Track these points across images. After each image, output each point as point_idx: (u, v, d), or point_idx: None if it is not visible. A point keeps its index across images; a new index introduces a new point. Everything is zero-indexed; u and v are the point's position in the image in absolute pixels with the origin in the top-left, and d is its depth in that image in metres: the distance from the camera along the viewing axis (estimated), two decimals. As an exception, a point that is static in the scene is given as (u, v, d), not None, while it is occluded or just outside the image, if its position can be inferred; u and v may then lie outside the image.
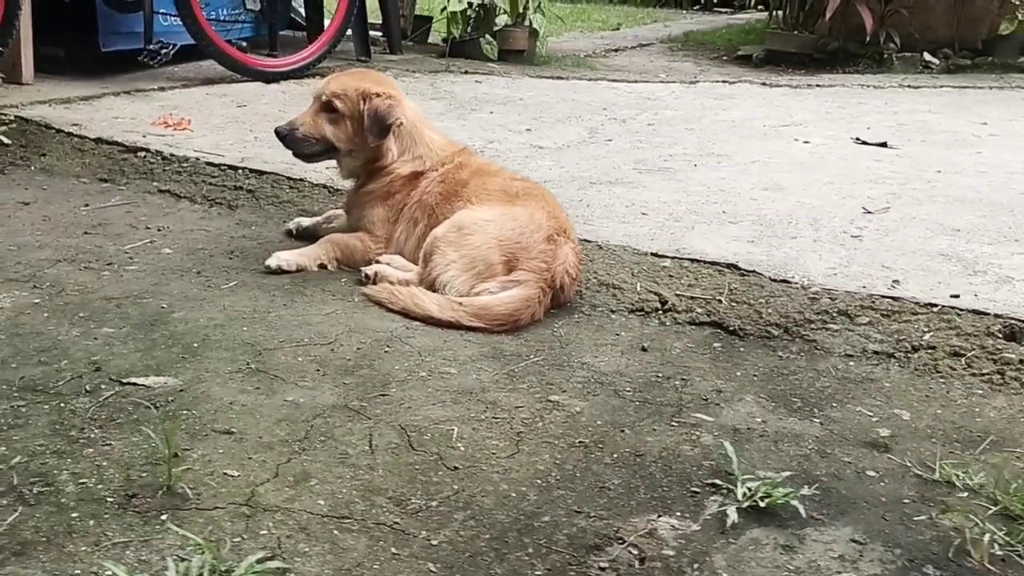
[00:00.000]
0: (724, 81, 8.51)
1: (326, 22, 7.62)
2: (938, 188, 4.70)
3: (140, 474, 2.05)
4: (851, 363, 2.79)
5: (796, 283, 3.24)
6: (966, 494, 2.11)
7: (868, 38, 9.77)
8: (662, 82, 8.48)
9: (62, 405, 2.34)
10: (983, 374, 2.68)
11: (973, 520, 2.00)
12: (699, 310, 3.08)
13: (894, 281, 3.26)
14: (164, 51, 6.46)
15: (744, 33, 13.43)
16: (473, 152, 3.57)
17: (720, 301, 3.13)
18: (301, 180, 4.35)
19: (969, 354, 2.76)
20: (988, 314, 2.95)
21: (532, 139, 5.67)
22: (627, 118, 6.52)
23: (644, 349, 2.86)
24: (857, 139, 6.01)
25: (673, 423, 2.41)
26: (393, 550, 1.84)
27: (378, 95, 3.39)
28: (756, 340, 2.94)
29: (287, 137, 3.43)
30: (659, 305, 3.12)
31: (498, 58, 8.86)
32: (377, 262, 3.37)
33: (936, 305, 3.03)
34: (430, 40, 10.17)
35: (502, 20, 9.13)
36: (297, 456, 2.17)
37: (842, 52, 10.02)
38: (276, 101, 6.35)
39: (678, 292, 3.18)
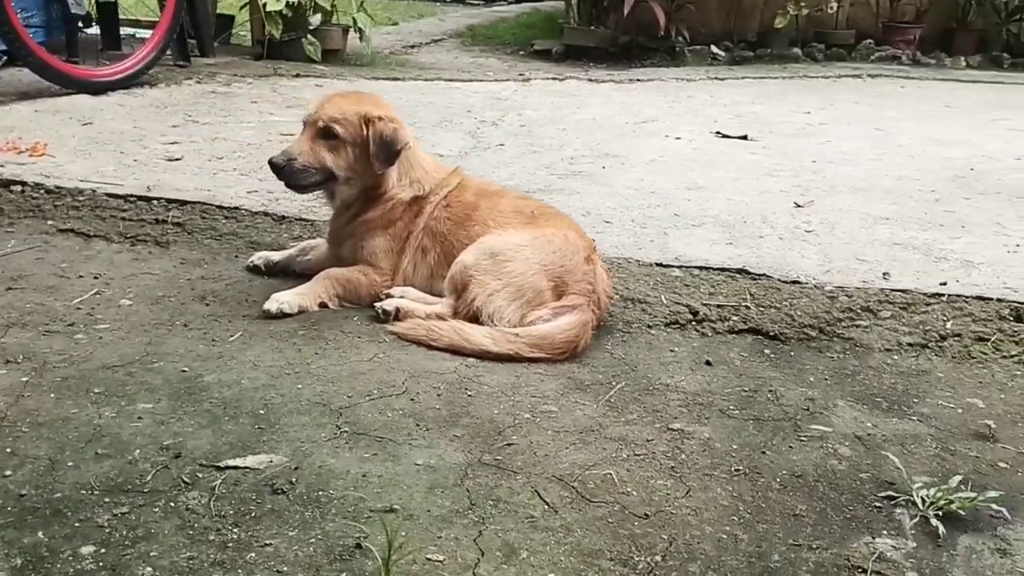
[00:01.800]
0: (554, 78, 8.65)
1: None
2: (828, 179, 5.06)
3: (338, 574, 1.79)
4: (896, 357, 2.95)
5: (807, 283, 3.38)
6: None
7: (662, 32, 10.33)
8: (496, 80, 8.49)
9: (172, 505, 1.99)
10: (1012, 355, 2.93)
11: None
12: (734, 318, 3.13)
13: (884, 273, 3.48)
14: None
15: (525, 28, 13.73)
16: (464, 172, 3.39)
17: (748, 307, 3.19)
18: (236, 209, 3.94)
19: (993, 338, 3.01)
20: (991, 299, 3.23)
21: (425, 148, 5.47)
22: (495, 120, 6.47)
23: (709, 363, 2.86)
24: (718, 133, 6.35)
25: (801, 438, 2.43)
26: (669, 617, 1.73)
27: (380, 119, 3.14)
28: (799, 343, 3.03)
29: (285, 170, 3.08)
30: (691, 316, 3.14)
31: (321, 59, 8.48)
32: (387, 296, 3.13)
33: (942, 295, 3.27)
34: (232, 41, 9.56)
35: (316, 19, 8.73)
36: (484, 527, 1.97)
37: (635, 46, 10.55)
38: (122, 116, 5.70)
39: (704, 302, 3.21)
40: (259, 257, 3.44)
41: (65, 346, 2.73)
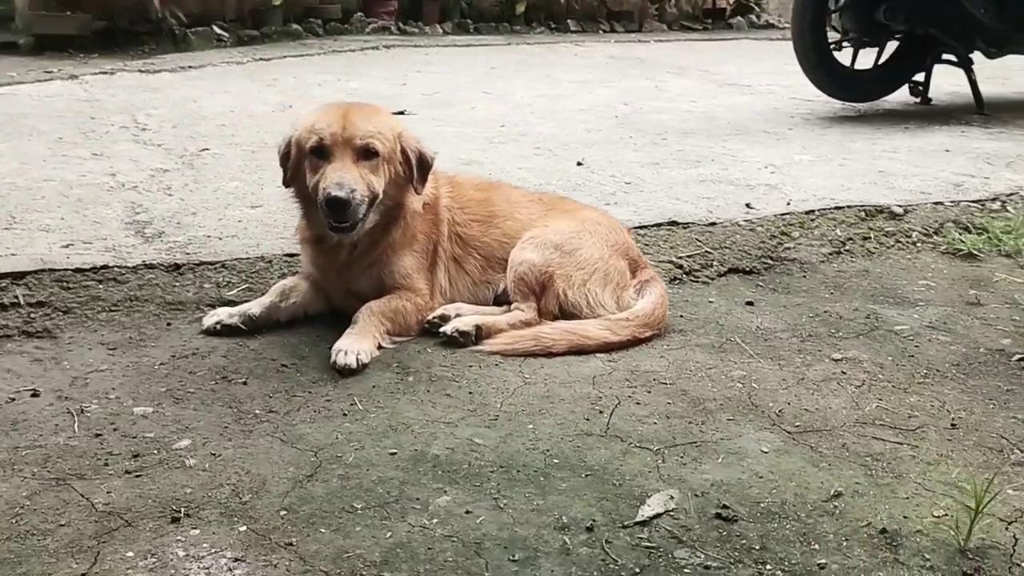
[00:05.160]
0: (141, 71, 7.67)
1: None
2: (532, 137, 5.52)
3: (919, 557, 1.79)
4: (834, 265, 3.55)
5: (720, 223, 3.80)
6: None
7: (158, 15, 9.65)
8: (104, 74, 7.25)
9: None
10: (893, 246, 3.75)
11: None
12: (716, 266, 3.44)
13: (747, 204, 4.06)
14: None
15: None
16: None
17: (710, 253, 3.53)
18: (106, 268, 3.00)
19: (872, 236, 3.79)
20: (843, 207, 4.01)
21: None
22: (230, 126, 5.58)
23: (750, 303, 3.16)
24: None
25: (888, 332, 2.91)
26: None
27: (404, 131, 2.74)
28: (767, 272, 3.47)
29: (351, 206, 2.53)
30: (680, 271, 3.38)
31: None
32: (441, 317, 2.80)
33: (814, 210, 3.96)
34: None
35: None
36: None
37: (121, 32, 9.58)
38: None
39: (678, 257, 3.46)
40: (228, 315, 2.76)
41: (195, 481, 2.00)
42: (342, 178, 2.55)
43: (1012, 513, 1.94)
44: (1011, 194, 4.38)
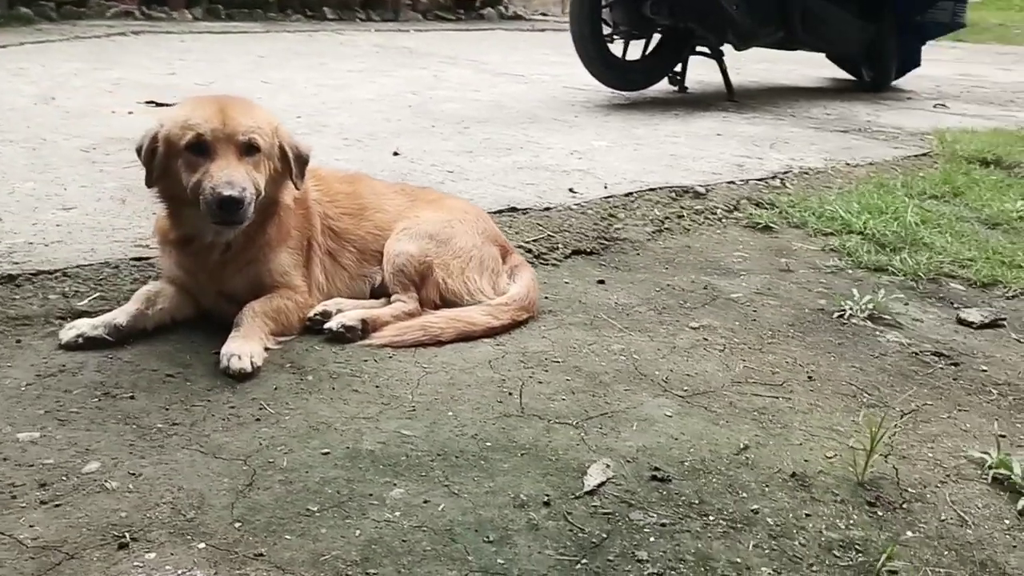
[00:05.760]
0: None
1: None
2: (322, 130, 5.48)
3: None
4: (660, 243, 3.84)
5: (554, 207, 3.97)
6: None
7: None
8: None
9: None
10: (704, 223, 4.11)
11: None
12: (561, 248, 3.62)
13: (570, 189, 4.28)
14: None
15: None
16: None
17: (553, 236, 3.69)
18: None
19: (685, 215, 4.14)
20: (663, 188, 4.32)
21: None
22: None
23: (601, 281, 3.37)
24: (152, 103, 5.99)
25: (722, 300, 3.23)
26: None
27: (280, 126, 2.66)
28: (606, 251, 3.69)
29: (244, 205, 2.42)
30: (530, 254, 3.53)
31: None
32: (322, 314, 2.76)
33: (631, 192, 4.24)
34: None
35: None
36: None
37: None
38: None
39: (525, 241, 3.60)
40: (91, 327, 2.56)
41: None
42: (231, 176, 2.43)
43: (886, 448, 2.25)
44: (785, 172, 4.93)
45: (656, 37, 7.26)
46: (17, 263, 2.91)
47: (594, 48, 6.76)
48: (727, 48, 7.46)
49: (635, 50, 7.22)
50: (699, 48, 7.47)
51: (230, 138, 2.50)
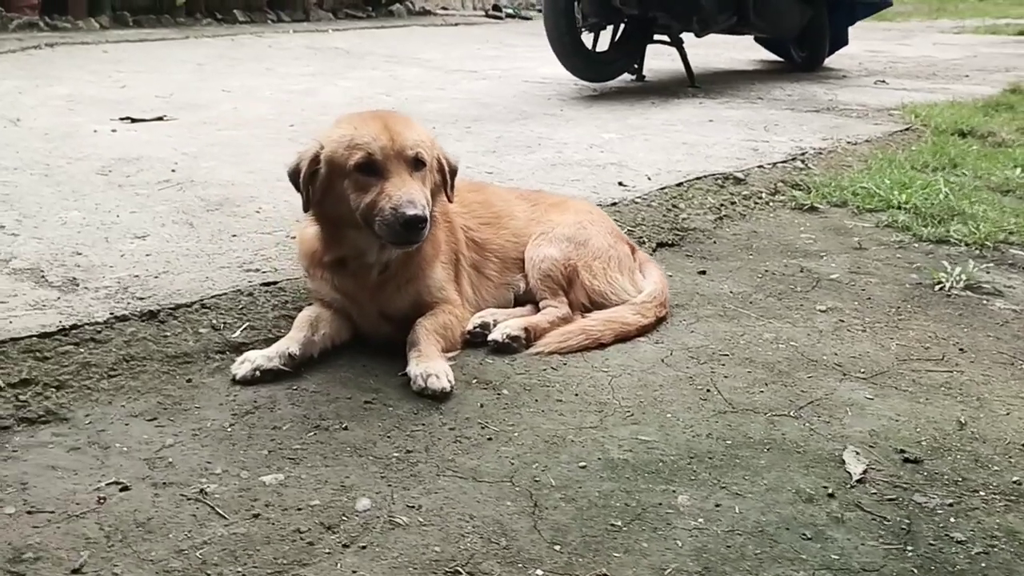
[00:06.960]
0: None
1: None
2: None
3: None
4: (727, 230, 3.91)
5: (619, 202, 3.98)
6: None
7: None
8: None
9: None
10: (757, 205, 4.21)
11: None
12: (648, 242, 3.63)
13: (619, 183, 4.29)
14: None
15: None
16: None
17: (632, 230, 3.70)
18: (77, 328, 2.46)
19: (736, 200, 4.22)
20: (707, 176, 4.39)
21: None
22: None
23: (703, 272, 3.40)
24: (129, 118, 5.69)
25: (824, 284, 3.32)
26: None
27: (435, 139, 2.58)
28: (684, 243, 3.72)
29: (426, 222, 2.35)
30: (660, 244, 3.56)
31: None
32: (479, 327, 2.70)
33: (682, 183, 4.29)
34: None
35: None
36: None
37: None
38: None
39: (644, 234, 3.63)
40: (266, 359, 2.43)
41: (437, 534, 1.81)
42: (411, 195, 2.33)
43: (1081, 410, 2.36)
44: (802, 154, 5.08)
45: (621, 28, 7.34)
46: (143, 299, 2.72)
47: (571, 42, 6.78)
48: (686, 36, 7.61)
49: (601, 42, 7.28)
50: (657, 37, 7.59)
51: (400, 154, 2.41)
